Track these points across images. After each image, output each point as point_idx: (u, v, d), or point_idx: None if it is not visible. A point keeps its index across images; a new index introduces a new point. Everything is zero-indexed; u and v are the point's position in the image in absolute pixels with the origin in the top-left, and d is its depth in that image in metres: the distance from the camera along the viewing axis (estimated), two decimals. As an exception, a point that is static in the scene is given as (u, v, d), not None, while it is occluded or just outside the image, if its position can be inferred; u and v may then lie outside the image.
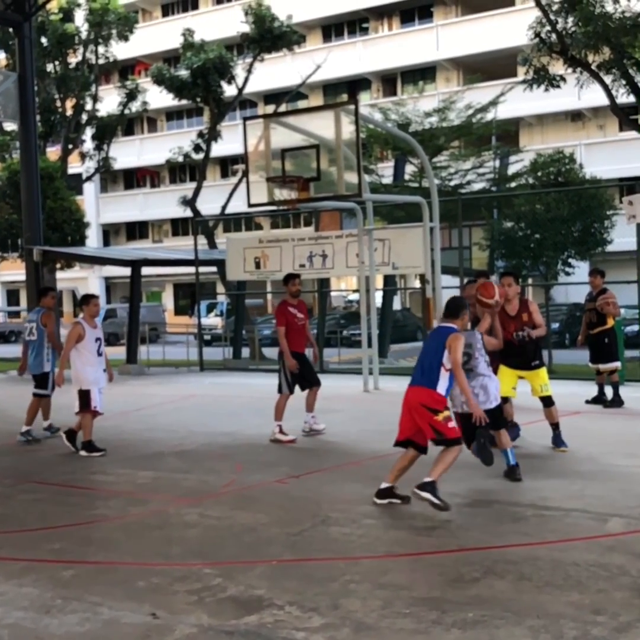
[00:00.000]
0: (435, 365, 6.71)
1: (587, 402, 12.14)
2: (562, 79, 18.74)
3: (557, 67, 19.24)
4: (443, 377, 6.69)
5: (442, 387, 6.70)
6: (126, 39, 30.12)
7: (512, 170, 27.28)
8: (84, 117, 30.31)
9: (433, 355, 6.77)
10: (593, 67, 18.33)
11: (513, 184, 25.50)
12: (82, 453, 9.61)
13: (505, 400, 9.01)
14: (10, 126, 28.87)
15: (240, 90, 27.16)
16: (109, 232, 53.63)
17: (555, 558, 5.45)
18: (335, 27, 45.66)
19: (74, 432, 9.93)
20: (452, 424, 6.72)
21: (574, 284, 18.51)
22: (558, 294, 30.34)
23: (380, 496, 6.89)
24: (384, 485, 6.91)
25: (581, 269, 18.40)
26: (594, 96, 25.79)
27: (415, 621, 4.52)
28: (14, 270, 37.33)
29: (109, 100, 32.04)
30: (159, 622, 4.63)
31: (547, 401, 8.99)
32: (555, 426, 9.05)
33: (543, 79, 18.65)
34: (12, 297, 55.60)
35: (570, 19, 17.82)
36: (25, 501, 7.63)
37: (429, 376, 6.71)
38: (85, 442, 9.67)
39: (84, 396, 9.71)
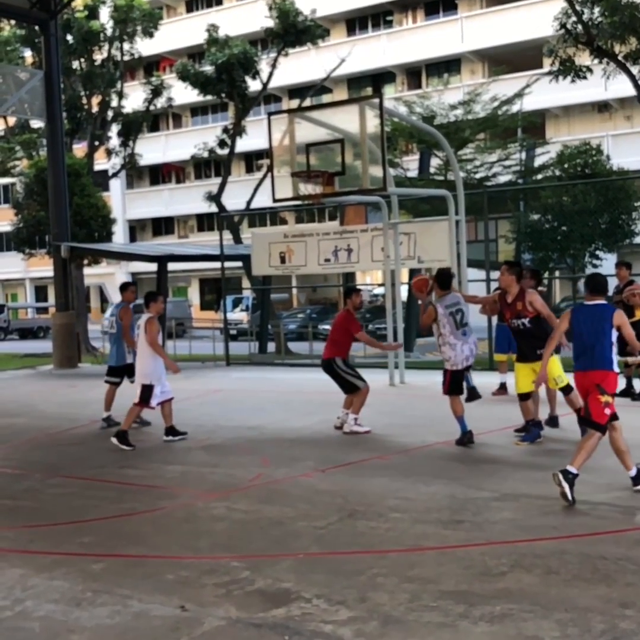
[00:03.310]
0: (607, 346, 6.71)
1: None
2: (589, 69, 18.61)
3: (583, 58, 19.10)
4: (614, 354, 6.76)
5: (616, 365, 6.80)
6: (151, 35, 30.30)
7: (538, 162, 27.11)
8: (110, 113, 30.51)
9: (602, 336, 6.71)
10: (620, 57, 18.19)
11: (539, 176, 25.35)
12: (113, 440, 9.70)
13: (526, 396, 8.96)
14: (37, 124, 29.13)
15: (265, 85, 27.19)
16: (135, 228, 53.91)
17: (583, 552, 5.43)
18: (359, 21, 45.56)
19: (171, 427, 10.07)
20: (608, 411, 6.68)
21: (602, 276, 18.34)
22: (585, 287, 30.09)
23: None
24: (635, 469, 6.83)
25: (609, 261, 18.25)
26: (620, 87, 25.57)
27: (443, 614, 4.52)
28: (42, 267, 37.71)
29: (134, 96, 32.22)
30: (188, 614, 4.67)
31: (565, 390, 8.92)
32: (578, 413, 8.95)
33: (569, 70, 18.53)
34: (41, 293, 56.08)
35: (596, 10, 17.70)
36: (55, 495, 7.71)
37: (602, 358, 6.71)
38: (121, 431, 9.76)
39: (148, 391, 9.84)
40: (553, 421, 9.71)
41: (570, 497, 6.46)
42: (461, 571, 5.16)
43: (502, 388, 12.63)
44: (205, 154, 28.68)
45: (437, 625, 4.40)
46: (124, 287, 11.38)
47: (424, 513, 6.49)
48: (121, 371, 11.16)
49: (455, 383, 9.21)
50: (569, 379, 9.14)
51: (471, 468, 7.97)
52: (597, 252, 18.66)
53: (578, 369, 6.85)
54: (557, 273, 22.31)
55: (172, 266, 23.84)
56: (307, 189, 12.10)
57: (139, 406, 9.93)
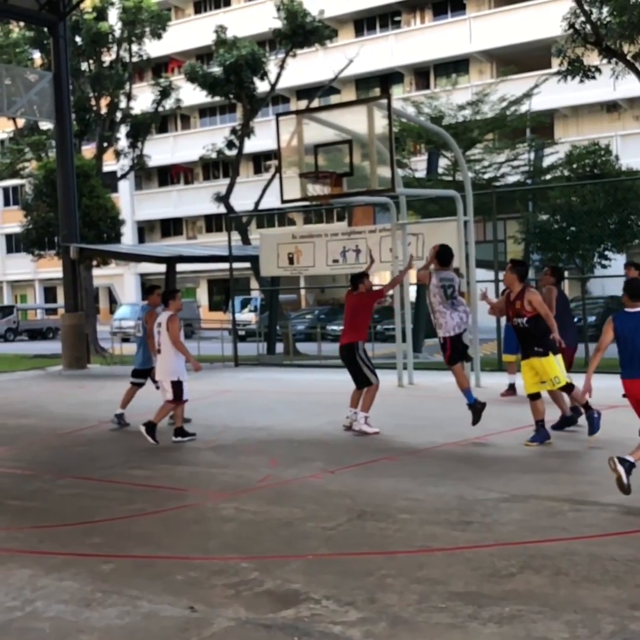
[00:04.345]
0: None
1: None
2: (597, 69, 18.54)
3: (592, 58, 19.03)
4: None
5: None
6: (159, 36, 30.37)
7: (547, 162, 27.06)
8: (119, 115, 30.60)
9: None
10: (628, 57, 18.13)
11: (548, 177, 25.29)
12: (141, 428, 9.84)
13: (536, 396, 8.94)
14: (46, 125, 29.23)
15: (273, 86, 27.22)
16: (144, 229, 54.01)
17: (592, 553, 5.42)
18: (367, 21, 45.55)
19: (181, 428, 10.08)
20: None
21: (610, 277, 18.34)
22: (595, 287, 30.06)
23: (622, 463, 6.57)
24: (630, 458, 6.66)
25: (618, 262, 18.19)
26: (629, 87, 25.54)
27: (452, 615, 4.52)
28: (51, 268, 37.77)
29: (142, 98, 32.30)
30: (197, 615, 4.67)
31: (565, 389, 8.92)
32: (585, 407, 8.97)
33: (578, 70, 18.47)
34: (50, 294, 56.24)
35: (604, 9, 17.63)
36: (65, 496, 7.73)
37: None
38: (151, 423, 9.86)
39: (179, 387, 9.94)
40: (567, 421, 9.62)
41: (625, 481, 6.32)
42: (470, 572, 5.15)
43: (511, 389, 12.60)
44: (214, 155, 28.73)
45: (446, 626, 4.40)
46: (149, 291, 11.31)
47: (432, 514, 6.48)
48: (146, 373, 11.15)
49: (456, 350, 9.81)
50: (574, 378, 9.16)
51: (480, 469, 7.96)
52: (606, 253, 18.58)
53: (627, 377, 6.89)
54: (566, 273, 22.26)
55: (180, 267, 23.85)
56: (315, 189, 12.11)
57: (172, 403, 9.99)
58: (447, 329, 9.76)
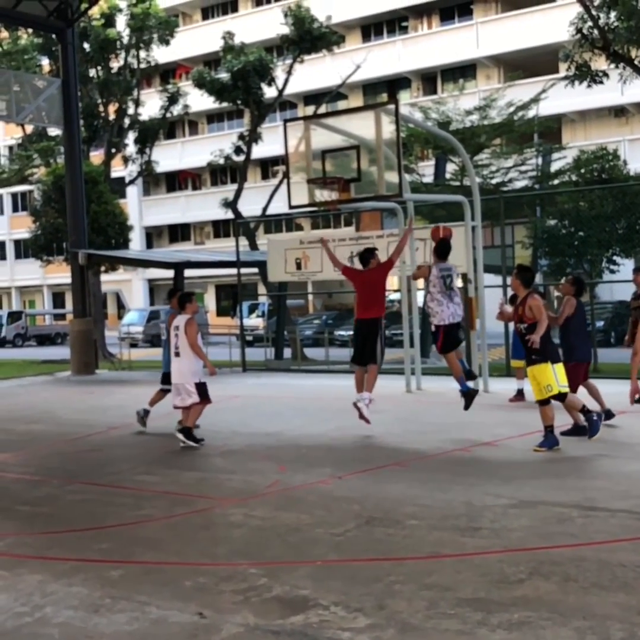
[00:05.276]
0: None
1: (637, 401, 11.95)
2: (605, 74, 18.55)
3: (600, 63, 19.04)
4: None
5: None
6: (167, 43, 30.49)
7: (554, 167, 27.03)
8: (127, 121, 30.72)
9: None
10: (636, 62, 18.14)
11: (556, 182, 25.28)
12: (179, 436, 9.87)
13: (546, 402, 8.92)
14: (55, 131, 29.35)
15: (281, 92, 27.29)
16: (152, 235, 54.12)
17: (601, 559, 5.40)
18: (374, 27, 45.62)
19: (189, 428, 10.11)
20: None
21: (619, 282, 18.32)
22: (603, 292, 30.01)
23: None
24: None
25: (626, 267, 18.19)
26: (637, 91, 25.57)
27: (461, 622, 4.51)
28: (59, 273, 37.93)
29: (150, 104, 32.41)
30: (206, 621, 4.67)
31: (557, 399, 8.88)
32: (583, 411, 9.01)
33: (585, 75, 18.48)
34: (58, 299, 56.40)
35: (612, 14, 17.65)
36: (73, 502, 7.74)
37: None
38: (186, 428, 9.92)
39: (203, 388, 10.01)
40: (579, 431, 9.54)
41: None
42: (479, 578, 5.14)
43: (519, 394, 12.58)
44: (221, 161, 28.80)
45: (455, 633, 4.39)
46: (172, 294, 11.34)
47: (441, 520, 6.47)
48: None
49: (448, 339, 10.26)
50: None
51: (488, 475, 7.95)
52: (615, 258, 18.58)
53: None
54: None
55: (188, 272, 23.91)
56: (323, 195, 12.11)
57: (201, 404, 10.02)
58: (441, 317, 10.20)
